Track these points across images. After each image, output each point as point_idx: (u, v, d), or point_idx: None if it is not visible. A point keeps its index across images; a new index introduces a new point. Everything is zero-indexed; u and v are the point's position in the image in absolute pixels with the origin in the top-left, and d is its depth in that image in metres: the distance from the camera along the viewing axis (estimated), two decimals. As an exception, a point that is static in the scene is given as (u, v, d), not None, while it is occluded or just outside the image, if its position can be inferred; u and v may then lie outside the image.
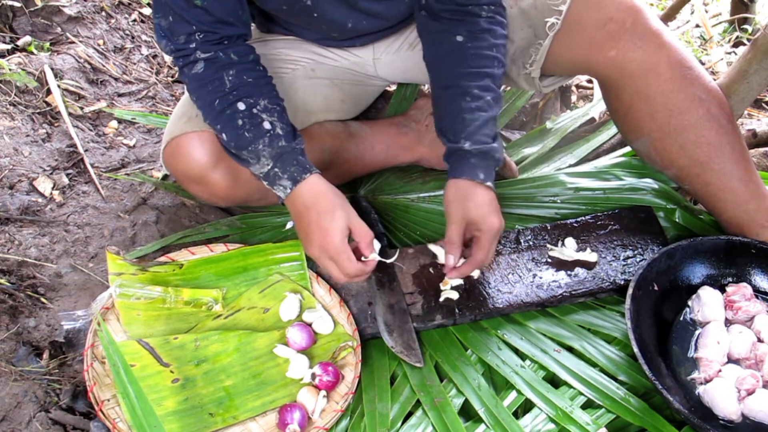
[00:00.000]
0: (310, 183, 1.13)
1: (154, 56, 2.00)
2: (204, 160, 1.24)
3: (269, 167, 1.13)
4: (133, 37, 2.03)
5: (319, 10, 1.22)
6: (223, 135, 1.15)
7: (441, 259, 1.31)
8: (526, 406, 1.13)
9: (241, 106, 1.13)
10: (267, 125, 1.13)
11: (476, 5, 1.19)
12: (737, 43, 2.35)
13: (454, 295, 1.26)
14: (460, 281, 1.28)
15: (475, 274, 1.30)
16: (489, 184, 1.19)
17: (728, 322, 1.20)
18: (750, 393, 1.09)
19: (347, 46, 1.41)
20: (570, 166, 1.61)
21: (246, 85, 1.14)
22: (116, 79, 1.87)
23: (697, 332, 1.19)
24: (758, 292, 1.25)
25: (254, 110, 1.13)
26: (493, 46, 1.21)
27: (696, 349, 1.17)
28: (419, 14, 1.25)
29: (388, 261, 1.22)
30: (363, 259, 1.14)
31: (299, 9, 1.22)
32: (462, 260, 1.22)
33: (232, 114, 1.13)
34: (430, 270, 1.31)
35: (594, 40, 1.21)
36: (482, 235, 1.17)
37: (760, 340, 1.16)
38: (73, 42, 1.87)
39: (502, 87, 1.77)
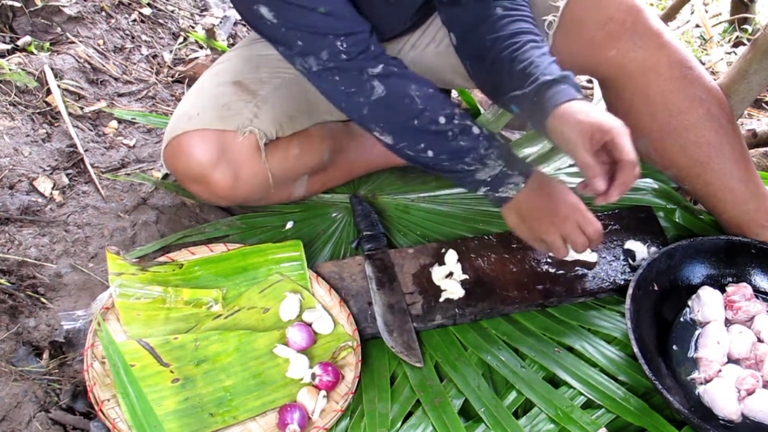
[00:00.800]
0: (537, 172, 1.15)
1: (154, 56, 2.00)
2: (205, 160, 1.23)
3: (501, 168, 1.12)
4: (133, 37, 2.03)
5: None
6: (429, 152, 1.12)
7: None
8: (526, 406, 1.13)
9: (442, 119, 1.10)
10: (476, 129, 1.11)
11: None
12: (737, 43, 2.35)
13: (454, 296, 1.26)
14: (466, 275, 1.28)
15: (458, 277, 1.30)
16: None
17: (728, 322, 1.20)
18: (750, 393, 1.09)
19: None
20: (570, 166, 1.61)
21: (432, 97, 1.11)
22: (116, 79, 1.87)
23: (697, 332, 1.19)
24: (758, 292, 1.26)
25: (455, 120, 1.11)
26: (530, 13, 1.18)
27: (696, 349, 1.17)
28: (452, 36, 1.22)
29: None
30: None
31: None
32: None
33: (438, 130, 1.10)
34: (430, 270, 1.31)
35: (594, 40, 1.21)
36: (612, 136, 0.99)
37: (760, 340, 1.16)
38: (73, 42, 1.87)
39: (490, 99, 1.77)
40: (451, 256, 1.32)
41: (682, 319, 1.23)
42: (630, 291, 1.16)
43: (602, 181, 1.00)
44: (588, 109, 1.01)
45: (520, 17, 1.15)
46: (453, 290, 1.26)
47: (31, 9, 1.87)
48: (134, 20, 2.08)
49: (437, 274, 1.29)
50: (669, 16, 2.34)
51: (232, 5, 2.30)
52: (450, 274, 1.30)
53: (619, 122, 1.01)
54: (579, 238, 1.14)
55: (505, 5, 1.16)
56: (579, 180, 1.50)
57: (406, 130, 1.11)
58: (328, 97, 1.14)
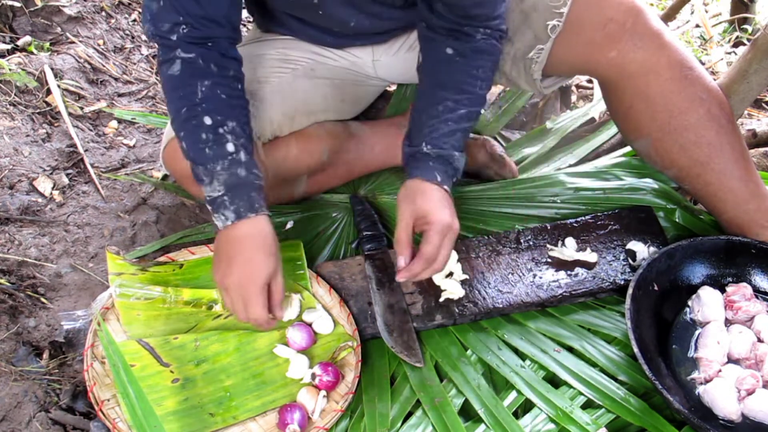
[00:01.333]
0: (256, 221, 1.10)
1: (154, 56, 2.00)
2: None
3: (219, 194, 1.08)
4: (133, 37, 2.03)
5: (325, 7, 1.22)
6: (184, 144, 1.12)
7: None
8: (526, 406, 1.13)
9: (208, 120, 1.09)
10: (231, 147, 1.09)
11: (472, 27, 1.20)
12: (737, 43, 2.35)
13: (454, 296, 1.26)
14: (465, 275, 1.28)
15: (463, 275, 1.30)
16: (446, 187, 1.18)
17: (728, 322, 1.20)
18: (750, 393, 1.09)
19: (346, 45, 1.41)
20: (570, 166, 1.61)
21: (217, 100, 1.11)
22: (116, 79, 1.87)
23: (697, 332, 1.19)
24: (758, 292, 1.25)
25: (219, 129, 1.09)
26: (479, 67, 1.22)
27: (696, 349, 1.17)
28: (419, 24, 1.25)
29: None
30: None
31: (305, 5, 1.22)
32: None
33: (197, 126, 1.09)
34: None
35: (594, 41, 1.21)
36: (430, 228, 1.13)
37: (760, 340, 1.16)
38: (73, 42, 1.87)
39: (500, 90, 1.78)
40: (451, 256, 1.32)
41: (682, 319, 1.22)
42: (630, 291, 1.16)
43: (404, 260, 1.15)
44: (431, 195, 1.16)
45: (461, 68, 1.21)
46: (453, 290, 1.26)
47: (31, 9, 1.87)
48: (134, 20, 2.08)
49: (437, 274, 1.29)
50: (669, 16, 2.34)
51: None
52: (450, 274, 1.30)
53: (446, 219, 1.13)
54: (240, 312, 1.09)
55: (456, 49, 1.20)
56: (578, 180, 1.51)
57: (177, 114, 1.11)
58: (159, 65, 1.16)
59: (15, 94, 1.64)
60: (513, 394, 1.14)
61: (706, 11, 2.57)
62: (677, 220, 1.43)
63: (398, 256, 1.16)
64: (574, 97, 2.02)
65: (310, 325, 1.21)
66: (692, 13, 2.56)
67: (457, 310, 1.25)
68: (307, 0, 1.20)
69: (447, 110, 1.20)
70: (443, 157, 1.19)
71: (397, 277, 1.17)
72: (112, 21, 2.02)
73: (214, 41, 1.12)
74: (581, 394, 1.13)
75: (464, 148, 1.23)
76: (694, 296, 1.23)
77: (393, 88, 1.71)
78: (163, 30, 1.09)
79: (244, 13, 2.25)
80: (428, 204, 1.14)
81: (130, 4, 2.11)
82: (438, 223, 1.13)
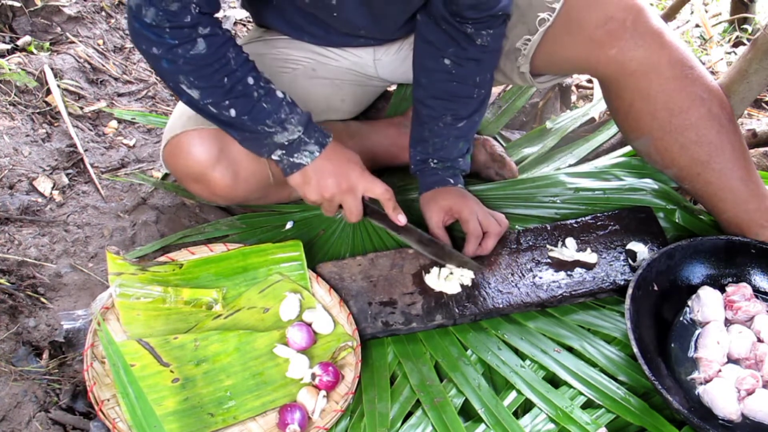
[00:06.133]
0: (335, 144, 1.19)
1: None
2: (204, 158, 1.23)
3: (299, 133, 1.14)
4: (133, 37, 2.03)
5: (341, 12, 1.23)
6: (232, 110, 1.11)
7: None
8: (526, 406, 1.13)
9: (250, 80, 1.12)
10: (279, 94, 1.14)
11: (476, 29, 1.20)
12: (737, 43, 2.35)
13: (449, 291, 1.26)
14: (471, 275, 1.29)
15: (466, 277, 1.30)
16: (459, 185, 1.35)
17: (728, 322, 1.20)
18: (750, 393, 1.09)
19: (349, 45, 1.41)
20: (570, 166, 1.61)
21: (246, 62, 1.13)
22: (116, 79, 1.87)
23: (696, 332, 1.19)
24: (758, 292, 1.25)
25: (262, 83, 1.13)
26: (477, 75, 1.27)
27: (696, 349, 1.17)
28: (420, 16, 1.25)
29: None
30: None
31: (323, 5, 1.22)
32: None
33: (244, 89, 1.11)
34: (430, 271, 1.31)
35: (594, 39, 1.21)
36: (460, 214, 1.30)
37: (760, 340, 1.16)
38: (72, 42, 1.87)
39: (501, 90, 1.79)
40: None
41: (681, 319, 1.22)
42: (630, 291, 1.16)
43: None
44: (449, 191, 1.33)
45: (459, 79, 1.28)
46: (448, 289, 1.27)
47: (31, 9, 1.87)
48: (134, 20, 2.07)
49: (437, 275, 1.29)
50: (669, 16, 2.34)
51: (235, 5, 2.30)
52: (450, 274, 1.30)
53: (470, 203, 1.31)
54: (355, 208, 1.21)
55: (454, 60, 1.26)
56: (578, 180, 1.51)
57: (216, 87, 1.11)
58: (143, 44, 1.07)
59: (15, 94, 1.64)
60: (513, 394, 1.14)
61: (706, 11, 2.57)
62: (677, 220, 1.43)
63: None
64: (574, 97, 2.02)
65: (310, 325, 1.21)
66: (692, 12, 2.56)
67: (457, 310, 1.25)
68: (326, 2, 1.20)
69: (448, 126, 1.31)
70: (451, 166, 1.35)
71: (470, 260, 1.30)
72: (112, 21, 2.02)
73: (208, 12, 1.10)
74: (581, 394, 1.13)
75: (471, 147, 1.39)
76: (693, 296, 1.23)
77: (393, 88, 1.71)
78: (172, 10, 1.02)
79: (244, 13, 2.26)
80: (449, 200, 1.31)
81: (130, 4, 2.11)
82: (465, 208, 1.30)
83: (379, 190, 1.21)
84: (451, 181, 1.34)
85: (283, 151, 1.15)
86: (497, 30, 1.24)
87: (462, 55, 1.25)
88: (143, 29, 1.04)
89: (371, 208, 1.25)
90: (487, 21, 1.21)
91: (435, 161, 1.35)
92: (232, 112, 1.12)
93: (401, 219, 1.24)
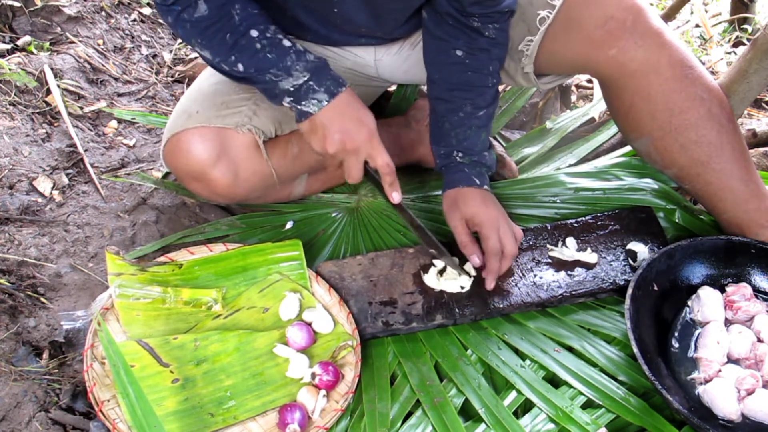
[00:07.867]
0: (348, 93, 1.15)
1: (154, 56, 2.00)
2: (204, 157, 1.23)
3: (305, 79, 1.11)
4: (133, 37, 2.03)
5: (341, 9, 1.22)
6: (239, 65, 1.12)
7: (471, 271, 1.30)
8: (526, 406, 1.13)
9: (254, 33, 1.11)
10: (287, 43, 1.12)
11: (482, 23, 1.20)
12: (737, 43, 2.35)
13: (450, 289, 1.26)
14: (470, 279, 1.29)
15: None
16: (485, 187, 1.29)
17: (728, 322, 1.20)
18: (750, 393, 1.09)
19: (350, 44, 1.41)
20: (570, 166, 1.61)
21: (252, 15, 1.12)
22: (116, 79, 1.87)
23: (696, 332, 1.19)
24: (758, 292, 1.25)
25: (268, 34, 1.12)
26: (489, 64, 1.26)
27: (696, 349, 1.17)
28: (425, 13, 1.25)
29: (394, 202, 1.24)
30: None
31: (321, 1, 1.22)
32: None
33: (247, 42, 1.11)
34: (431, 270, 1.31)
35: (594, 39, 1.21)
36: (482, 227, 1.24)
37: (760, 340, 1.16)
38: (72, 42, 1.87)
39: (501, 89, 1.79)
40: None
41: (681, 319, 1.22)
42: (630, 291, 1.16)
43: (477, 258, 1.25)
44: (471, 196, 1.27)
45: (473, 69, 1.26)
46: (448, 288, 1.27)
47: (31, 9, 1.87)
48: (134, 20, 2.08)
49: (434, 274, 1.29)
50: (669, 16, 2.33)
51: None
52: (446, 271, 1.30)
53: (492, 213, 1.25)
54: (354, 171, 1.17)
55: (466, 50, 1.25)
56: (578, 180, 1.51)
57: (222, 45, 1.12)
58: (163, 17, 1.16)
59: (15, 94, 1.64)
60: (513, 394, 1.14)
61: (706, 11, 2.57)
62: (677, 220, 1.43)
63: (470, 257, 1.26)
64: (574, 97, 2.02)
65: (309, 324, 1.21)
66: (692, 12, 2.56)
67: (457, 310, 1.25)
68: None
69: (468, 115, 1.28)
70: (476, 161, 1.30)
71: (486, 285, 1.26)
72: (112, 21, 2.02)
73: None
74: (581, 394, 1.13)
75: (490, 143, 1.34)
76: (693, 296, 1.23)
77: (393, 88, 1.71)
78: None
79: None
80: (473, 207, 1.26)
81: (129, 4, 2.11)
82: (487, 219, 1.24)
83: (381, 161, 1.17)
84: (477, 181, 1.28)
85: (291, 98, 1.13)
86: (503, 24, 1.23)
87: (473, 44, 1.24)
88: (158, 4, 1.11)
89: (371, 174, 1.22)
90: (493, 16, 1.21)
91: (460, 155, 1.30)
92: (240, 67, 1.13)
93: (395, 197, 1.21)
